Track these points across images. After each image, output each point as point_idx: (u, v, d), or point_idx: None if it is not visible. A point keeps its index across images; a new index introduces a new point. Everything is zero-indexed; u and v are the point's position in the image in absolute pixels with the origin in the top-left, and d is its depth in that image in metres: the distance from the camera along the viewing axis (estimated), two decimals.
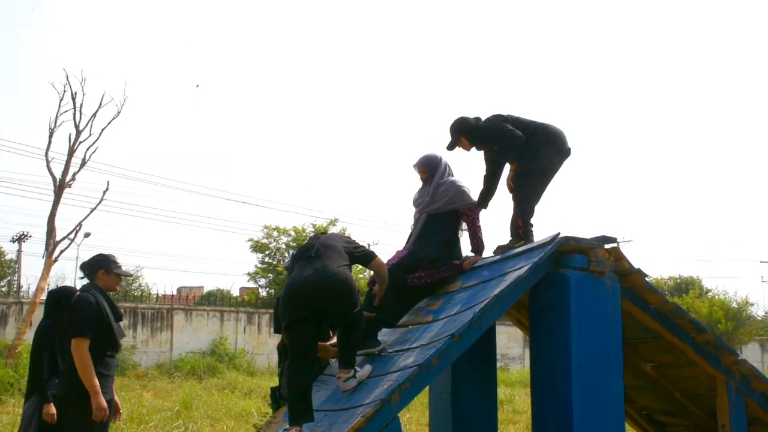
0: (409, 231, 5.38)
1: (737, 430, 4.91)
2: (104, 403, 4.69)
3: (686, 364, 5.10)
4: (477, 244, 5.18)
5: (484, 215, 5.45)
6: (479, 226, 5.22)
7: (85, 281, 5.20)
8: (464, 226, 5.30)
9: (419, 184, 5.47)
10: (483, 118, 5.47)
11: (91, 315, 4.83)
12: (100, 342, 4.86)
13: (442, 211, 5.16)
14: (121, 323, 5.24)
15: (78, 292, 5.11)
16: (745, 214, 74.86)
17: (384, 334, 4.80)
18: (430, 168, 5.32)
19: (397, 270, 4.93)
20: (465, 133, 5.44)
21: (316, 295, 4.18)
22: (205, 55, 68.52)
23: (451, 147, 5.52)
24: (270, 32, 76.35)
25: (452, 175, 5.34)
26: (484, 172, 5.51)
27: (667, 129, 75.33)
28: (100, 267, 5.13)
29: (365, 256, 4.70)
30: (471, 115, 5.50)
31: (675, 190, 73.57)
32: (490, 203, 5.51)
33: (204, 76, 67.36)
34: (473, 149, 5.51)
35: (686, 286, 38.37)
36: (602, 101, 78.83)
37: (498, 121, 5.34)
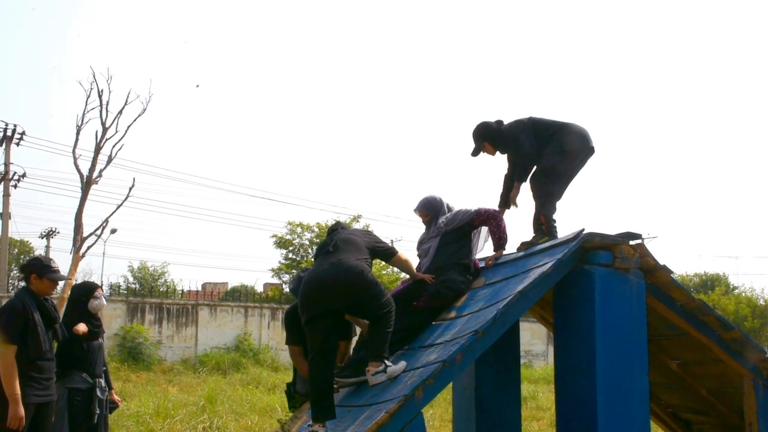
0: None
1: (765, 429, 4.84)
2: (21, 413, 4.55)
3: (712, 362, 5.05)
4: (499, 240, 5.06)
5: (509, 214, 5.41)
6: (502, 224, 5.09)
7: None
8: (480, 242, 5.21)
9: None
10: (504, 122, 5.45)
11: (17, 322, 4.70)
12: (26, 349, 4.72)
13: (458, 227, 5.05)
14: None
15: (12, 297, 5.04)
16: None
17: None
18: (431, 210, 5.23)
19: (404, 297, 4.83)
20: (488, 138, 5.43)
21: (330, 289, 4.15)
22: (230, 51, 68.94)
23: (475, 153, 5.50)
24: (297, 27, 76.61)
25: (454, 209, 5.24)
26: (506, 172, 5.49)
27: (694, 124, 74.34)
28: (33, 271, 4.93)
29: (386, 252, 4.70)
30: (492, 118, 5.49)
31: (701, 186, 72.62)
32: (516, 203, 5.45)
33: (228, 73, 67.77)
34: (497, 153, 5.49)
35: (712, 283, 37.91)
36: (627, 98, 78.00)
37: (517, 130, 5.31)
